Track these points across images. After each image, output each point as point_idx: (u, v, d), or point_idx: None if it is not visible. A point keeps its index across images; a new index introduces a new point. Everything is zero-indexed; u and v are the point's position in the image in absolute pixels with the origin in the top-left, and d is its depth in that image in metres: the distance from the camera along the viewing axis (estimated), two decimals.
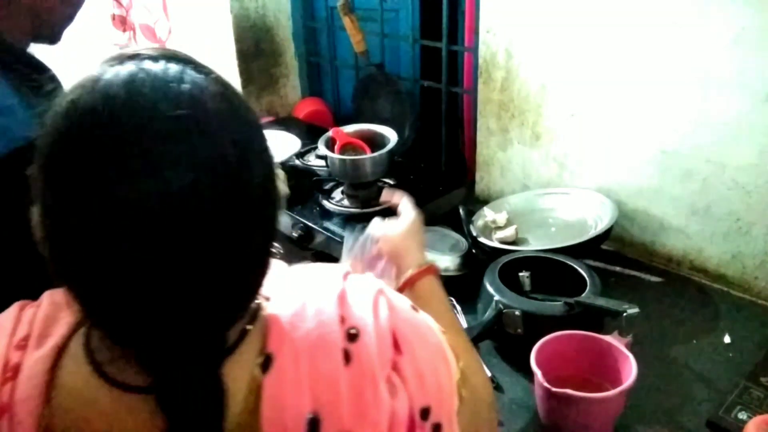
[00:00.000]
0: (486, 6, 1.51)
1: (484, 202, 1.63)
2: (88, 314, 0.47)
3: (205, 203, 0.42)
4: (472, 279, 1.25)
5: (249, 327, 0.52)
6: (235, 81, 2.18)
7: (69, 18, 0.94)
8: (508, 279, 1.17)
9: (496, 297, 1.11)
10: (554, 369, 0.95)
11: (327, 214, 1.54)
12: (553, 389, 0.90)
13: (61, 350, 0.50)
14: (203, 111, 0.44)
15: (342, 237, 1.42)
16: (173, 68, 0.45)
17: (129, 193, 0.41)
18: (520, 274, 1.20)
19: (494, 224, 1.45)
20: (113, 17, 2.82)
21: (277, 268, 0.55)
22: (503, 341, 1.14)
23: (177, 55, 0.48)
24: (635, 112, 1.33)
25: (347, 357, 0.50)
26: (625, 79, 1.32)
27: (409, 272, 0.87)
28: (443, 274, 1.33)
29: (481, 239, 1.36)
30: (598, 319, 1.08)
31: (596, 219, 1.39)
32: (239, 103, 0.48)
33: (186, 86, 0.44)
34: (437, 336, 0.58)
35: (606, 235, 1.33)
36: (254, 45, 2.19)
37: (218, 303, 0.47)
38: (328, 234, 1.44)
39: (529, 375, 0.98)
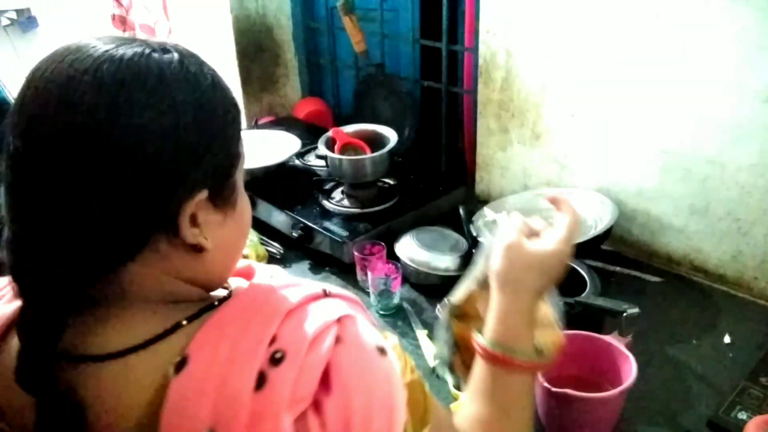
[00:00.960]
0: (486, 6, 1.51)
1: (484, 202, 1.63)
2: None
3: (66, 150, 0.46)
4: None
5: (184, 322, 0.51)
6: (235, 81, 2.19)
7: None
8: None
9: None
10: (554, 369, 0.94)
11: (327, 214, 1.53)
12: (553, 389, 0.90)
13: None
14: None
15: (342, 237, 1.43)
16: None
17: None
18: None
19: (494, 224, 1.45)
20: (113, 17, 2.82)
21: (269, 270, 0.54)
22: None
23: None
24: (635, 112, 1.33)
25: (262, 380, 0.46)
26: (625, 79, 1.32)
27: (488, 341, 0.66)
28: (443, 274, 1.34)
29: (481, 239, 1.36)
30: (598, 319, 1.08)
31: (596, 219, 1.39)
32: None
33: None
34: (392, 388, 0.50)
35: (606, 235, 1.33)
36: (254, 45, 2.19)
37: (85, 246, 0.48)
38: (328, 234, 1.44)
39: None
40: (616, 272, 1.19)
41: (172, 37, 2.51)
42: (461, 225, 1.41)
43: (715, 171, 1.25)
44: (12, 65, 2.64)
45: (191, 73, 0.51)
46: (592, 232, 1.32)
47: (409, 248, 1.38)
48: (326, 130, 1.67)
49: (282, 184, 1.66)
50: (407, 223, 1.50)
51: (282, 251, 1.50)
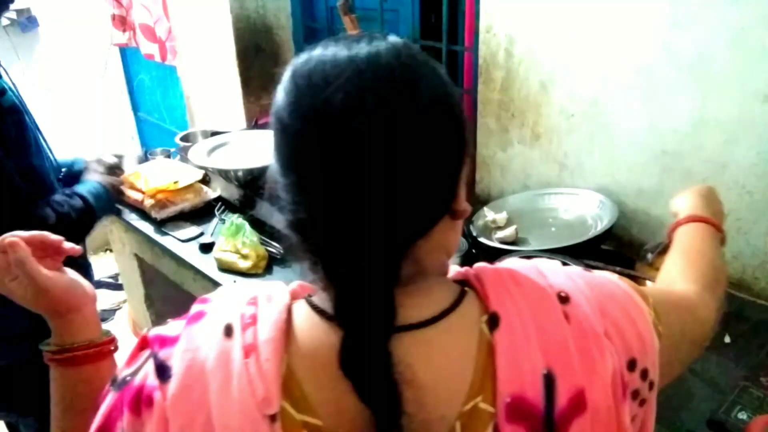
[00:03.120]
0: (486, 6, 1.51)
1: (484, 202, 1.63)
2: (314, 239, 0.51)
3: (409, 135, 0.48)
4: None
5: (467, 288, 0.55)
6: (235, 81, 2.19)
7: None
8: None
9: None
10: None
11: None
12: None
13: (289, 307, 0.54)
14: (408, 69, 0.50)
15: None
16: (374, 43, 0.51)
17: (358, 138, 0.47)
18: None
19: (494, 224, 1.45)
20: (113, 17, 2.82)
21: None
22: None
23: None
24: (635, 112, 1.33)
25: (566, 316, 0.51)
26: (625, 79, 1.32)
27: (679, 218, 0.86)
28: None
29: (481, 239, 1.36)
30: None
31: (596, 219, 1.39)
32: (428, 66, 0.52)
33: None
34: (621, 286, 0.58)
35: (606, 235, 1.33)
36: (254, 45, 2.20)
37: (405, 218, 0.50)
38: None
39: None
40: (616, 272, 1.18)
41: (172, 37, 2.51)
42: None
43: (715, 171, 1.25)
44: (12, 65, 2.64)
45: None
46: (592, 232, 1.32)
47: None
48: None
49: None
50: None
51: (282, 251, 1.50)
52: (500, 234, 1.40)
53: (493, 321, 0.51)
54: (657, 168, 1.34)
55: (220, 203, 1.71)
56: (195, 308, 0.56)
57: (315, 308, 0.53)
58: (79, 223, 1.26)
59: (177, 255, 1.53)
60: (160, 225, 1.64)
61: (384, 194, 0.48)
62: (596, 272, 0.60)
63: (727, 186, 1.24)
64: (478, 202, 1.69)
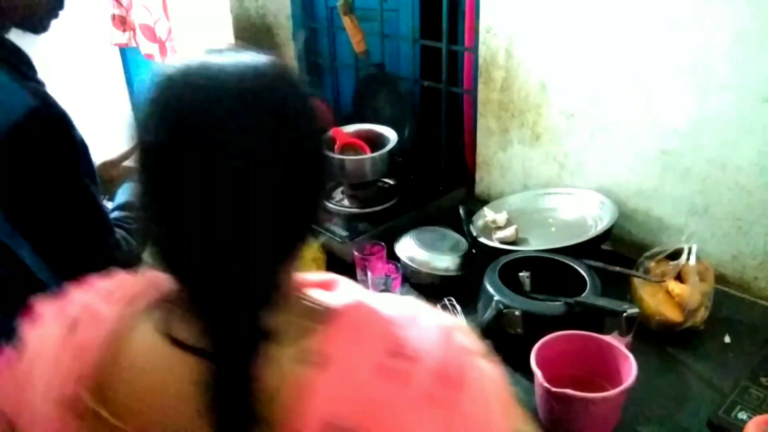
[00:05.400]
0: (486, 6, 1.51)
1: (484, 202, 1.63)
2: (170, 264, 0.52)
3: (265, 166, 0.48)
4: (472, 279, 1.25)
5: (308, 323, 0.52)
6: None
7: (52, 9, 1.03)
8: (508, 279, 1.17)
9: (496, 297, 1.11)
10: (554, 369, 0.95)
11: (327, 214, 1.53)
12: (553, 389, 0.90)
13: (136, 315, 0.54)
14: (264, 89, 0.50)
15: (342, 237, 1.43)
16: (235, 55, 0.51)
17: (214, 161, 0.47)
18: (520, 274, 1.20)
19: (494, 224, 1.45)
20: (113, 17, 2.82)
21: (354, 286, 0.57)
22: (503, 341, 1.14)
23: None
24: (635, 112, 1.33)
25: (401, 376, 0.48)
26: (625, 79, 1.32)
27: None
28: (443, 274, 1.34)
29: (481, 239, 1.36)
30: (598, 319, 1.08)
31: (596, 219, 1.39)
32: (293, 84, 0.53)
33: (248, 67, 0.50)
34: (502, 386, 0.54)
35: (606, 235, 1.33)
36: (254, 45, 2.19)
37: (265, 247, 0.50)
38: (328, 234, 1.44)
39: (529, 375, 0.98)
40: (616, 272, 1.19)
41: (172, 37, 2.51)
42: (461, 225, 1.41)
43: (715, 171, 1.25)
44: None
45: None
46: (592, 232, 1.32)
47: (409, 248, 1.38)
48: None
49: None
50: (407, 223, 1.50)
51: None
52: (500, 234, 1.40)
53: (321, 362, 0.49)
54: (657, 168, 1.34)
55: None
56: (68, 293, 0.58)
57: (165, 333, 0.52)
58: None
59: None
60: None
61: (243, 215, 0.48)
62: (491, 366, 0.54)
63: (727, 186, 1.24)
64: (478, 202, 1.69)
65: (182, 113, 0.47)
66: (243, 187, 0.47)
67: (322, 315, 0.53)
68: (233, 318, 0.49)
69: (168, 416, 0.51)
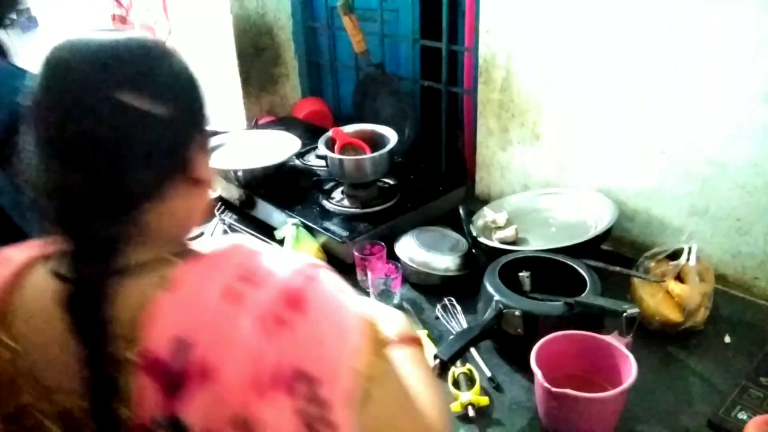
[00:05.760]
0: (486, 6, 1.51)
1: (484, 202, 1.63)
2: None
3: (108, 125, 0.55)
4: (472, 279, 1.25)
5: (174, 259, 0.58)
6: (235, 81, 2.19)
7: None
8: (508, 279, 1.17)
9: (496, 297, 1.11)
10: (554, 369, 0.95)
11: (327, 214, 1.53)
12: (553, 389, 0.90)
13: (38, 259, 0.62)
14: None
15: (342, 237, 1.43)
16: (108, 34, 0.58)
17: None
18: (520, 274, 1.20)
19: (494, 224, 1.45)
20: (113, 17, 2.82)
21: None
22: (503, 341, 1.14)
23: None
24: (635, 112, 1.33)
25: (241, 298, 0.53)
26: (625, 79, 1.32)
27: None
28: (443, 274, 1.34)
29: (481, 239, 1.36)
30: (598, 319, 1.08)
31: (596, 219, 1.39)
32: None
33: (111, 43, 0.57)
34: (357, 326, 0.56)
35: (606, 235, 1.33)
36: (254, 45, 2.19)
37: (120, 190, 0.56)
38: (328, 234, 1.44)
39: (529, 375, 0.98)
40: (616, 272, 1.19)
41: (172, 37, 2.51)
42: (461, 225, 1.41)
43: (715, 171, 1.25)
44: None
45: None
46: (592, 232, 1.32)
47: (409, 248, 1.38)
48: (326, 130, 1.67)
49: (282, 184, 1.66)
50: (407, 223, 1.50)
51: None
52: (500, 234, 1.40)
53: (165, 284, 0.55)
54: (657, 168, 1.34)
55: (220, 203, 1.71)
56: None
57: (51, 270, 0.59)
58: None
59: None
60: None
61: (106, 149, 0.55)
62: (352, 306, 0.57)
63: (727, 186, 1.24)
64: (478, 202, 1.69)
65: (56, 70, 0.56)
66: (99, 134, 0.54)
67: (189, 253, 0.60)
68: (90, 247, 0.56)
69: (47, 336, 0.58)
